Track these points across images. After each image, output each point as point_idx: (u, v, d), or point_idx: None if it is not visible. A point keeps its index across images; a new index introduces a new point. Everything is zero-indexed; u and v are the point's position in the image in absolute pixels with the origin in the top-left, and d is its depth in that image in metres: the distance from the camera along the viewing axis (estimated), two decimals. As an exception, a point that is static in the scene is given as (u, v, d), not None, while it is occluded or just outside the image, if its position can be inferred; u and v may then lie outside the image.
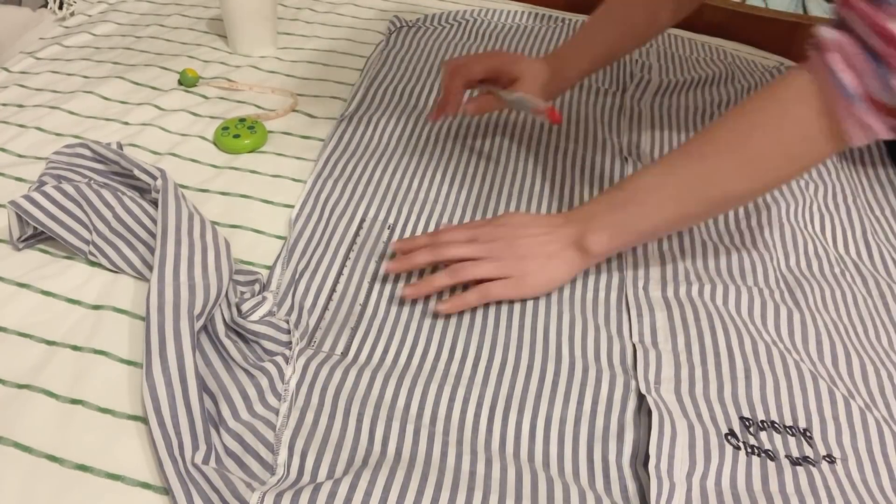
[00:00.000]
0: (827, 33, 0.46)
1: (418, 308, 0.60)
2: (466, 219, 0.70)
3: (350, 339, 0.57)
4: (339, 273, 0.62)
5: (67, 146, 0.67)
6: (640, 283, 0.62)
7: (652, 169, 0.56)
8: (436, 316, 0.59)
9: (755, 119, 0.51)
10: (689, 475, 0.47)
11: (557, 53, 0.74)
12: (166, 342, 0.49)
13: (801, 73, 0.49)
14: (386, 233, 0.67)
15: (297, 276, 0.61)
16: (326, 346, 0.56)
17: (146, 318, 0.51)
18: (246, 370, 0.52)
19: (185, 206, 0.59)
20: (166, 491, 0.45)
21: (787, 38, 1.09)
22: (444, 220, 0.70)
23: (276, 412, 0.51)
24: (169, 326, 0.50)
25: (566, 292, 0.61)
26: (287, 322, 0.56)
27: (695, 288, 0.62)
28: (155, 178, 0.61)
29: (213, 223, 0.67)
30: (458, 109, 0.71)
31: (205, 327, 0.54)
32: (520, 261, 0.56)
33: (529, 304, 0.59)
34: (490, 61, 0.70)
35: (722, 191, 0.53)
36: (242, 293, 0.57)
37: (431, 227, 0.69)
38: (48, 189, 0.61)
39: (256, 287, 0.58)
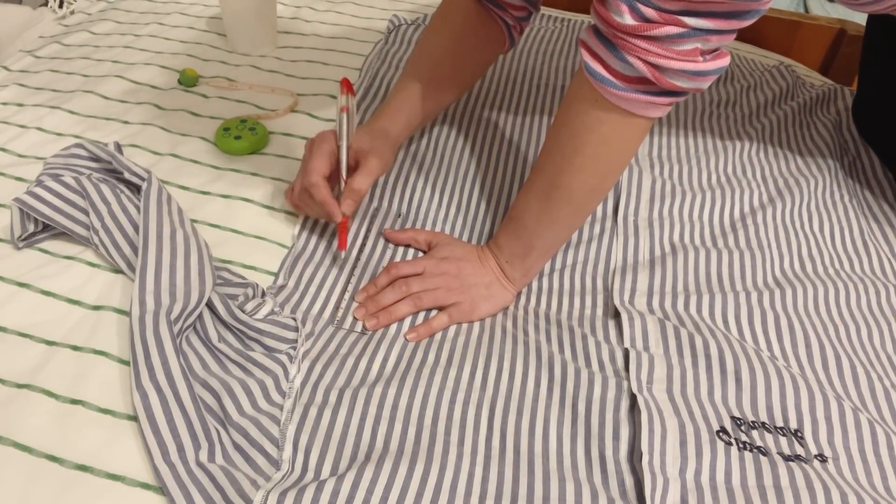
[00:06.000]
0: (582, 34, 0.53)
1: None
2: (471, 216, 0.72)
3: (353, 346, 0.57)
4: (345, 286, 0.63)
5: (64, 149, 0.67)
6: (626, 297, 0.63)
7: (521, 192, 0.62)
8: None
9: (562, 121, 0.57)
10: (682, 471, 0.48)
11: (374, 123, 0.69)
12: (150, 350, 0.50)
13: (575, 77, 0.55)
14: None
15: (300, 287, 0.62)
16: (330, 350, 0.57)
17: (130, 330, 0.51)
18: (246, 368, 0.53)
19: (166, 211, 0.60)
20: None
21: (788, 37, 1.09)
22: (451, 216, 0.71)
23: (281, 409, 0.52)
24: (150, 334, 0.50)
25: (553, 311, 0.62)
26: (294, 320, 0.57)
27: (680, 300, 0.62)
28: (143, 180, 0.62)
29: (214, 227, 0.67)
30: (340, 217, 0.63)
31: (197, 333, 0.55)
32: (468, 289, 0.62)
33: (520, 322, 0.61)
34: (326, 161, 0.63)
35: (569, 190, 0.58)
36: (237, 296, 0.58)
37: (438, 227, 0.70)
38: (49, 183, 0.61)
39: (250, 291, 0.59)
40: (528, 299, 0.64)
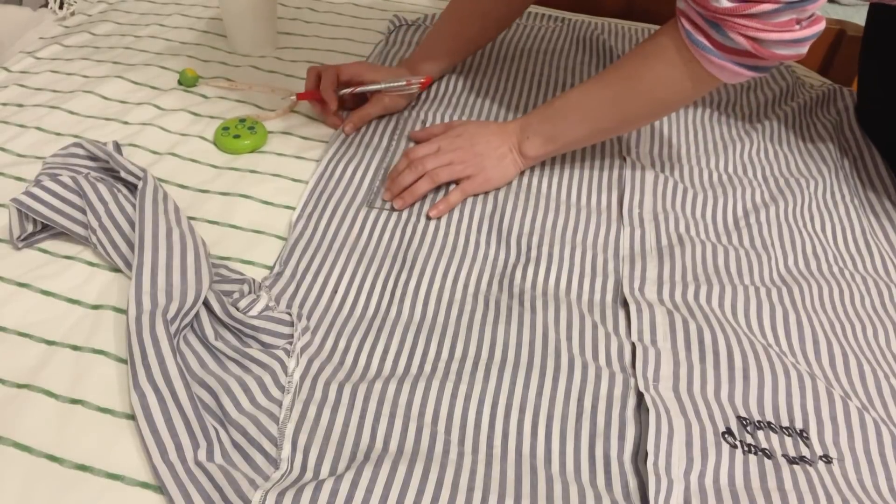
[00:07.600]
0: (679, 3, 0.59)
1: (418, 308, 0.60)
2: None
3: (351, 337, 0.57)
4: (342, 273, 0.62)
5: (63, 148, 0.67)
6: (636, 285, 0.62)
7: (575, 91, 0.69)
8: (436, 314, 0.59)
9: (644, 58, 0.64)
10: (687, 473, 0.47)
11: (411, 58, 0.85)
12: (146, 350, 0.50)
13: (671, 29, 0.61)
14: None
15: (297, 275, 0.62)
16: (329, 344, 0.56)
17: (126, 331, 0.51)
18: (244, 365, 0.53)
19: (162, 210, 0.59)
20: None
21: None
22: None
23: (280, 405, 0.51)
24: (146, 334, 0.50)
25: (562, 290, 0.62)
26: (289, 314, 0.57)
27: (690, 290, 0.62)
28: (139, 179, 0.61)
29: (213, 223, 0.67)
30: (335, 106, 0.79)
31: (194, 332, 0.55)
32: (480, 161, 0.69)
33: (527, 301, 0.60)
34: (352, 68, 0.79)
35: (623, 111, 0.67)
36: (232, 292, 0.58)
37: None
38: (46, 183, 0.61)
39: (246, 287, 0.58)
40: (536, 267, 0.63)
